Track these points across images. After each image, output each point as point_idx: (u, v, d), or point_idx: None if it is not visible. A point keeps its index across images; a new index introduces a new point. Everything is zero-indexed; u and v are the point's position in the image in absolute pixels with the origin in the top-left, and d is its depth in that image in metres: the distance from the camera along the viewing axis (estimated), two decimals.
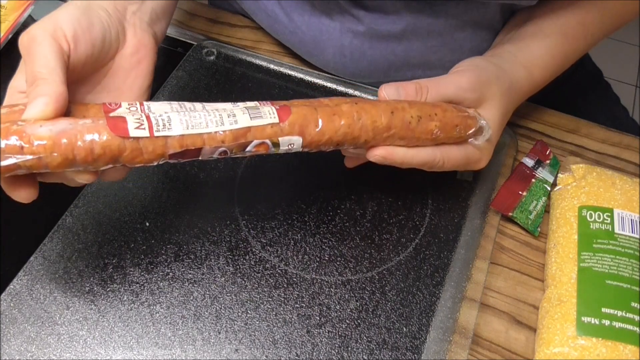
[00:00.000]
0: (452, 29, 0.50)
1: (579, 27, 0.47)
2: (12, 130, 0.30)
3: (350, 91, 0.55)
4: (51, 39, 0.34)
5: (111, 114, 0.34)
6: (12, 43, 0.55)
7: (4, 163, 0.30)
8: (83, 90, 0.39)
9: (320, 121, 0.36)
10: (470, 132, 0.40)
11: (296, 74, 0.56)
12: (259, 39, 0.60)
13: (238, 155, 0.36)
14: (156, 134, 0.32)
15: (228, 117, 0.34)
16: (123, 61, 0.40)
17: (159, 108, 0.35)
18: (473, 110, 0.42)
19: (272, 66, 0.56)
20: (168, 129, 0.33)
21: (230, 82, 0.56)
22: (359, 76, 0.55)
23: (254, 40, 0.60)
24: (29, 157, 0.30)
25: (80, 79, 0.38)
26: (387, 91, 0.40)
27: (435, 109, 0.39)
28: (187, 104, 0.36)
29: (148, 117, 0.33)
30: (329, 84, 0.55)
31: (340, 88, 0.55)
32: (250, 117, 0.35)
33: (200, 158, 0.35)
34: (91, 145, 0.31)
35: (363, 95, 0.54)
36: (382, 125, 0.37)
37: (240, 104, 0.37)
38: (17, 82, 0.35)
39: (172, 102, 0.36)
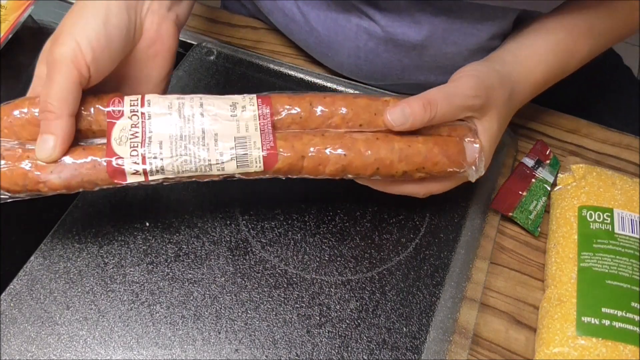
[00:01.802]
0: (467, 35, 0.49)
1: (585, 27, 0.46)
2: (30, 178, 0.35)
3: (350, 91, 0.55)
4: (71, 65, 0.35)
5: (112, 139, 0.36)
6: (12, 43, 0.55)
7: (18, 198, 0.36)
8: (102, 81, 0.39)
9: (304, 170, 0.37)
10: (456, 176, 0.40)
11: (296, 74, 0.56)
12: (259, 39, 0.60)
13: None
14: (150, 178, 0.36)
15: (216, 163, 0.36)
16: (139, 54, 0.40)
17: (158, 127, 0.36)
18: (475, 144, 0.40)
19: (272, 66, 0.56)
20: (161, 174, 0.36)
21: (230, 82, 0.56)
22: (372, 78, 0.54)
23: (254, 40, 0.60)
24: (40, 194, 0.36)
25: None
26: (393, 117, 0.37)
27: (426, 163, 0.38)
28: (187, 110, 0.37)
29: (144, 159, 0.35)
30: (328, 84, 0.55)
31: (340, 88, 0.55)
32: (237, 165, 0.36)
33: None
34: (94, 186, 0.36)
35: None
36: (365, 175, 0.38)
37: (239, 112, 0.37)
38: (40, 71, 0.38)
39: (172, 107, 0.37)
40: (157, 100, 0.37)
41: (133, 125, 0.36)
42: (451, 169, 0.39)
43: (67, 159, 0.35)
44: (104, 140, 0.36)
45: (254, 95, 0.38)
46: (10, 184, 0.35)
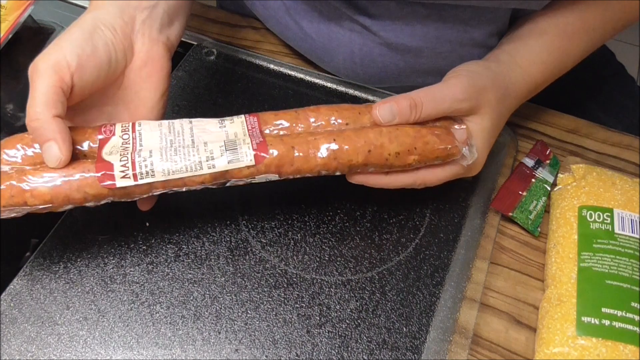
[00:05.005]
0: (461, 35, 0.49)
1: (579, 24, 0.46)
2: (15, 187, 0.35)
3: (350, 91, 0.55)
4: (51, 71, 0.35)
5: (103, 152, 0.37)
6: (12, 43, 0.55)
7: (11, 215, 0.36)
8: (100, 103, 0.41)
9: (295, 162, 0.38)
10: (453, 159, 0.41)
11: (296, 74, 0.56)
12: (259, 39, 0.60)
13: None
14: (140, 181, 0.36)
15: (207, 160, 0.36)
16: (132, 75, 0.41)
17: (148, 140, 0.38)
18: (462, 128, 0.41)
19: (272, 66, 0.56)
20: (151, 176, 0.36)
21: (230, 82, 0.56)
22: (369, 82, 0.54)
23: (254, 40, 0.60)
24: (29, 208, 0.36)
25: (93, 94, 0.40)
26: (382, 113, 0.39)
27: (416, 142, 0.39)
28: (177, 126, 0.39)
29: (133, 163, 0.36)
30: (329, 84, 0.55)
31: (341, 88, 0.55)
32: (228, 161, 0.36)
33: (183, 190, 0.38)
34: (84, 196, 0.36)
35: (363, 95, 0.54)
36: (358, 163, 0.38)
37: (227, 123, 0.39)
38: None
39: (162, 125, 0.38)
40: (147, 122, 0.39)
41: (124, 142, 0.37)
42: (443, 147, 0.39)
43: (58, 172, 0.35)
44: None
45: (242, 115, 0.40)
46: None
